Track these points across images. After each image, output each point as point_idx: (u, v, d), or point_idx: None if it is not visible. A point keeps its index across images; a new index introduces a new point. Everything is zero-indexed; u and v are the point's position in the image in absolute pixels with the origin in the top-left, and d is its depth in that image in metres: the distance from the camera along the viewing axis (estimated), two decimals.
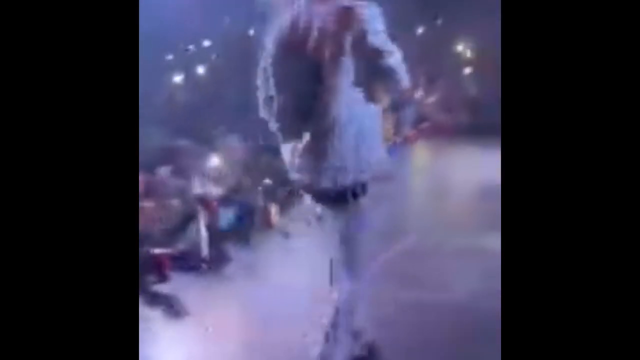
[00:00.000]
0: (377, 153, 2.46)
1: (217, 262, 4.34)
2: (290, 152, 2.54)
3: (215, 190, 5.08)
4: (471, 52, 10.91)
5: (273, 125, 2.59)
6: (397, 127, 7.25)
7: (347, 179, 2.41)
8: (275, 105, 2.51)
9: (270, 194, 5.15)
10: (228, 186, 5.17)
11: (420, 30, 9.47)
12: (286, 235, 4.82)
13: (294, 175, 2.55)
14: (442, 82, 9.40)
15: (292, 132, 2.49)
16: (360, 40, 2.30)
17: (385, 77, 2.37)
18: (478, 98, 9.07)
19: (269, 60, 2.52)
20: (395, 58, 2.35)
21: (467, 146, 7.50)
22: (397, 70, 2.35)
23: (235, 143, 6.15)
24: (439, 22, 8.12)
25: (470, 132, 8.11)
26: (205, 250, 4.44)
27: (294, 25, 2.44)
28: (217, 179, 5.26)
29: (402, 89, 2.53)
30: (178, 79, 8.02)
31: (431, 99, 8.93)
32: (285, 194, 5.12)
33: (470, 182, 5.79)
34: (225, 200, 5.09)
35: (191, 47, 8.40)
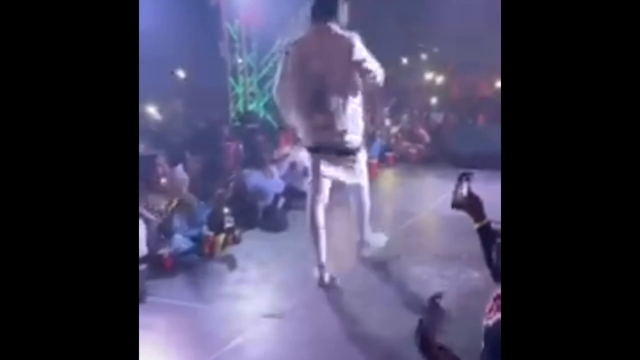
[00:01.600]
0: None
1: None
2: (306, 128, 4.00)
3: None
4: (437, 80, 11.14)
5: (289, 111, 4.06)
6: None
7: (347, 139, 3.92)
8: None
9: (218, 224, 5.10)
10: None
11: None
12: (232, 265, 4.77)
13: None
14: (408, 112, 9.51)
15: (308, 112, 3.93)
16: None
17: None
18: (441, 127, 9.19)
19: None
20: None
21: (427, 175, 7.61)
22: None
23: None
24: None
25: (431, 161, 8.20)
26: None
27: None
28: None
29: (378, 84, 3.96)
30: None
31: (395, 129, 9.01)
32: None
33: (428, 210, 5.85)
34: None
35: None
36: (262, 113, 7.54)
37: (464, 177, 2.49)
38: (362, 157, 4.26)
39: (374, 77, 3.90)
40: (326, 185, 4.23)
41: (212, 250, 4.92)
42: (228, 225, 5.12)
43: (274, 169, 6.03)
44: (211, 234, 4.96)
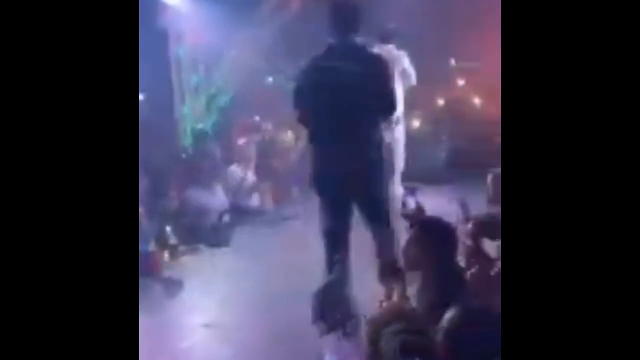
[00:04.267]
0: None
1: None
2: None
3: None
4: None
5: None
6: None
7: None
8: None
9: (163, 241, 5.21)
10: None
11: None
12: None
13: None
14: None
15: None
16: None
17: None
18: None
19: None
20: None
21: None
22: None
23: None
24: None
25: None
26: None
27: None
28: None
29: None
30: None
31: None
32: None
33: None
34: None
35: None
36: (209, 132, 7.60)
37: (408, 191, 2.73)
38: None
39: None
40: None
41: (156, 266, 4.99)
42: (172, 242, 5.23)
43: (218, 186, 6.13)
44: (155, 249, 5.06)
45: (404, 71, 5.74)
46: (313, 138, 3.78)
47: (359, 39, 3.71)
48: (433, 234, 2.67)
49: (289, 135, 7.36)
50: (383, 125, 3.86)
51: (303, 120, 3.89)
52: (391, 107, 3.77)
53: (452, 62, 8.53)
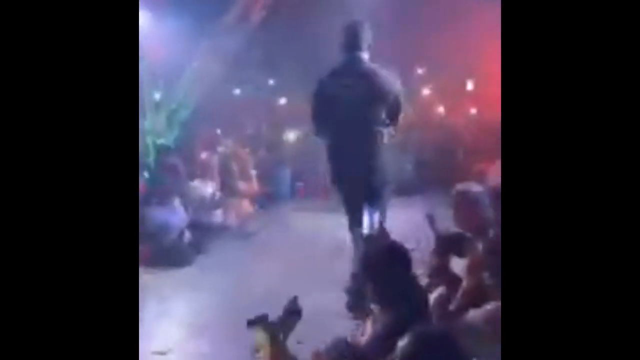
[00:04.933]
0: None
1: None
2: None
3: None
4: None
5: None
6: None
7: None
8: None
9: None
10: None
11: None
12: None
13: None
14: None
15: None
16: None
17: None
18: None
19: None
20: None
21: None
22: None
23: None
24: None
25: None
26: None
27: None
28: None
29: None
30: None
31: None
32: None
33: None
34: None
35: None
36: (171, 146, 7.41)
37: (367, 207, 2.66)
38: None
39: None
40: None
41: None
42: None
43: (177, 202, 5.90)
44: None
45: None
46: (331, 144, 4.38)
47: (364, 55, 4.24)
48: (388, 259, 2.56)
49: (245, 151, 7.18)
50: (386, 132, 4.34)
51: (318, 128, 4.45)
52: (397, 114, 4.35)
53: (419, 71, 8.54)
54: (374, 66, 4.27)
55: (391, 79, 4.28)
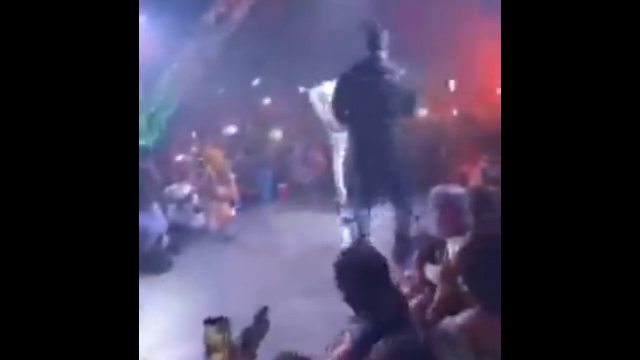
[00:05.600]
0: None
1: None
2: None
3: None
4: None
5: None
6: None
7: None
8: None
9: None
10: None
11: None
12: None
13: None
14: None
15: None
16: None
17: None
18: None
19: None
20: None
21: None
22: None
23: None
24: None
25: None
26: None
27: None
28: None
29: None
30: None
31: None
32: None
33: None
34: None
35: None
36: (150, 149, 7.30)
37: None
38: None
39: None
40: None
41: None
42: None
43: (156, 206, 5.79)
44: None
45: None
46: (352, 135, 5.00)
47: (383, 54, 4.71)
48: (363, 268, 2.50)
49: (220, 153, 7.05)
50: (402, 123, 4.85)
51: (340, 118, 4.98)
52: (413, 110, 4.90)
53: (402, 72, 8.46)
54: (393, 64, 4.74)
55: (408, 78, 4.80)
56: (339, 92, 4.87)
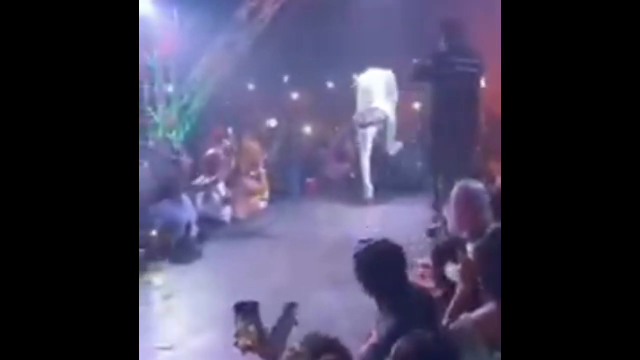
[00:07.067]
0: None
1: None
2: None
3: None
4: None
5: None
6: None
7: None
8: None
9: None
10: None
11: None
12: None
13: None
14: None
15: None
16: None
17: None
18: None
19: None
20: None
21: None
22: None
23: None
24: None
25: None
26: None
27: None
28: None
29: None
30: None
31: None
32: None
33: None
34: None
35: None
36: (177, 143, 7.42)
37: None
38: None
39: None
40: None
41: None
42: None
43: (184, 197, 5.91)
44: None
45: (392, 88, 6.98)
46: (432, 114, 5.74)
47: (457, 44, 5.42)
48: (382, 258, 2.52)
49: (257, 147, 7.14)
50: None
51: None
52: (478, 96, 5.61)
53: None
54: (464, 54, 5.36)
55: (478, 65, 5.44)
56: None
